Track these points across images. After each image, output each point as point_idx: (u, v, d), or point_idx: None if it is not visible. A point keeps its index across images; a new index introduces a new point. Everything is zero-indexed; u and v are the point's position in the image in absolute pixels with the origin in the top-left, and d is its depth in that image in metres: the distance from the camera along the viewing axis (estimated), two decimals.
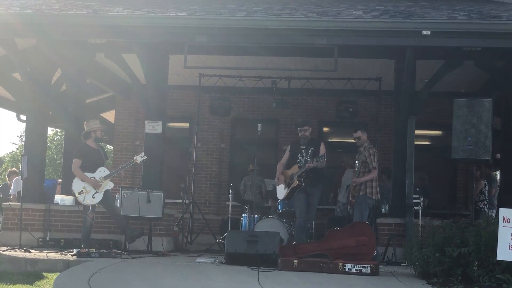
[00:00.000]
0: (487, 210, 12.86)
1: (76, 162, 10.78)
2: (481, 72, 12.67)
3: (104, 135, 11.03)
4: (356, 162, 10.89)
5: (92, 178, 10.65)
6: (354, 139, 11.11)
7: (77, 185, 10.70)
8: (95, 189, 10.63)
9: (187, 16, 11.07)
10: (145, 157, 10.99)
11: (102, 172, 10.74)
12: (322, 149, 10.84)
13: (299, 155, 10.92)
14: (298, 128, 11.15)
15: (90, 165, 10.76)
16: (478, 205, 12.74)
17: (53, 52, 12.18)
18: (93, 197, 10.65)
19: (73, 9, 11.43)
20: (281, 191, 11.04)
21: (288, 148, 11.29)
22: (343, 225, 10.91)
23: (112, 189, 10.94)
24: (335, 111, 14.88)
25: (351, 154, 11.81)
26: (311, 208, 10.89)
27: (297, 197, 10.83)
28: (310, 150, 10.86)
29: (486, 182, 13.54)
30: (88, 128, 11.01)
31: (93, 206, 10.74)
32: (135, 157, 11.06)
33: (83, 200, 10.68)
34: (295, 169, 10.80)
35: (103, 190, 10.67)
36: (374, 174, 10.73)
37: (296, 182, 10.71)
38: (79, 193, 10.67)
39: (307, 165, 10.60)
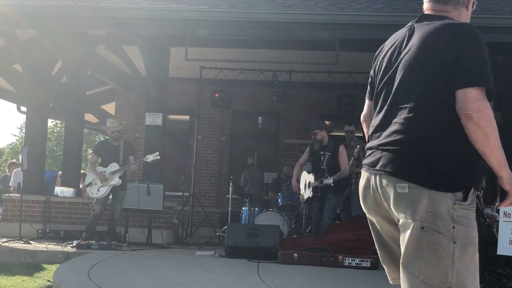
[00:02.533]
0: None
1: (91, 157, 11.40)
2: None
3: (116, 135, 11.00)
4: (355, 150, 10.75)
5: (102, 172, 10.78)
6: (347, 132, 11.07)
7: (89, 177, 11.00)
8: (101, 182, 10.73)
9: (188, 9, 11.04)
10: (158, 157, 10.92)
11: (112, 167, 10.84)
12: (342, 155, 10.01)
13: (319, 159, 10.12)
14: (310, 133, 10.42)
15: (105, 160, 11.04)
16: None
17: (54, 44, 12.16)
18: (98, 190, 10.75)
19: (73, 0, 11.39)
20: (303, 191, 10.68)
21: (307, 149, 10.53)
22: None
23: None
24: (336, 105, 14.88)
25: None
26: (326, 208, 10.08)
27: (315, 206, 10.29)
28: (327, 155, 10.05)
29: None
30: (106, 126, 11.28)
31: (99, 199, 10.78)
32: (146, 156, 11.03)
33: (89, 192, 10.92)
34: (311, 177, 10.24)
35: (109, 185, 10.73)
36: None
37: (311, 194, 10.19)
38: (88, 185, 10.89)
39: (317, 184, 9.93)
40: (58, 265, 8.39)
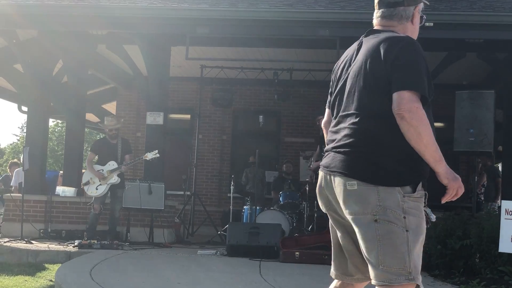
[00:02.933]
0: (483, 201, 12.89)
1: (89, 155, 11.34)
2: (483, 64, 12.63)
3: (114, 133, 11.02)
4: None
5: (100, 171, 10.75)
6: None
7: (86, 176, 10.99)
8: (99, 181, 10.72)
9: (189, 8, 11.03)
10: (158, 155, 10.93)
11: (110, 165, 10.84)
12: None
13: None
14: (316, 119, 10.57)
15: (102, 159, 11.01)
16: (480, 197, 12.74)
17: (54, 44, 12.16)
18: (96, 189, 10.77)
19: (74, 0, 11.39)
20: None
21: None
22: None
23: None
24: None
25: None
26: None
27: None
28: None
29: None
30: (103, 124, 11.28)
31: (98, 198, 10.79)
32: (146, 154, 11.03)
33: (87, 191, 10.92)
34: None
35: (107, 183, 10.73)
36: None
37: None
38: (85, 184, 10.91)
39: None
40: (60, 264, 8.40)
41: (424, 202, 3.25)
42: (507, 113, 13.05)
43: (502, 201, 7.96)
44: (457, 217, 8.99)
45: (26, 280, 7.73)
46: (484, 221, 8.23)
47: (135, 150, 16.05)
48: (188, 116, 16.69)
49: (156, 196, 11.08)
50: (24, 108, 14.72)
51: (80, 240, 10.14)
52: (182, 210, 12.88)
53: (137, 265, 8.39)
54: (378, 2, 3.63)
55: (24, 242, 10.37)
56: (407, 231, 3.11)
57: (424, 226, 3.23)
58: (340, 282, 3.53)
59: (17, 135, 52.80)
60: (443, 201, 3.27)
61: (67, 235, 11.14)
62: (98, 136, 37.71)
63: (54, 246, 10.10)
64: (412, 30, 3.57)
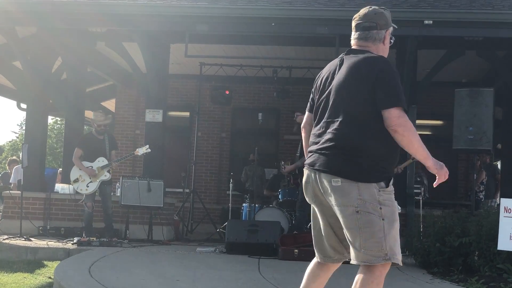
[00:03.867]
0: (483, 199, 12.89)
1: (76, 151, 10.88)
2: (483, 62, 12.63)
3: (103, 129, 10.93)
4: None
5: (90, 167, 10.67)
6: None
7: (74, 173, 10.79)
8: (90, 178, 10.65)
9: (188, 5, 11.03)
10: (149, 150, 10.90)
11: (100, 162, 10.73)
12: None
13: None
14: None
15: (90, 155, 10.79)
16: (478, 195, 12.75)
17: (54, 41, 12.15)
18: (87, 186, 10.66)
19: None
20: None
21: None
22: None
23: (113, 178, 10.95)
24: None
25: None
26: None
27: None
28: None
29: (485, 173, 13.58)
30: (92, 118, 11.09)
31: (89, 195, 10.73)
32: (137, 149, 11.00)
33: (77, 188, 10.78)
34: None
35: (98, 180, 10.67)
36: None
37: None
38: (75, 181, 10.76)
39: None
40: (59, 262, 8.39)
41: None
42: (506, 111, 13.09)
43: (501, 199, 7.95)
44: (456, 214, 8.99)
45: (25, 277, 7.73)
46: (483, 219, 8.23)
47: (134, 147, 15.99)
48: (187, 114, 16.69)
49: (155, 193, 11.08)
50: (23, 105, 14.71)
51: (79, 238, 10.13)
52: (181, 208, 12.88)
53: (136, 262, 8.39)
54: (355, 26, 4.17)
55: (23, 239, 10.37)
56: (383, 219, 3.79)
57: (397, 214, 3.92)
58: (315, 263, 4.23)
59: (16, 132, 52.79)
60: (435, 185, 4.08)
61: (66, 232, 11.13)
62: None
63: (53, 243, 10.10)
64: (384, 50, 4.16)
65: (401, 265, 3.91)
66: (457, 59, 11.96)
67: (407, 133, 3.76)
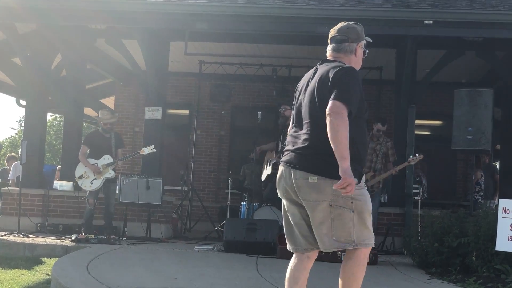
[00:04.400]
0: (482, 201, 12.86)
1: (82, 148, 11.09)
2: (482, 62, 12.63)
3: (110, 127, 11.00)
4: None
5: (95, 165, 10.69)
6: (378, 131, 11.02)
7: (79, 169, 10.87)
8: (94, 175, 10.68)
9: (188, 3, 11.01)
10: (154, 150, 10.93)
11: (105, 159, 10.79)
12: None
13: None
14: None
15: (96, 152, 10.91)
16: (474, 196, 12.74)
17: (54, 37, 12.14)
18: (91, 183, 10.72)
19: None
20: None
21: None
22: None
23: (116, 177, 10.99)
24: None
25: None
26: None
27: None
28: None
29: (483, 173, 13.56)
30: (98, 117, 11.15)
31: (92, 192, 10.76)
32: (142, 149, 11.02)
33: (81, 185, 10.84)
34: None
35: (102, 178, 10.70)
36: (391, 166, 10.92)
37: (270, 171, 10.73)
38: (79, 178, 10.82)
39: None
40: (57, 258, 8.39)
41: None
42: (505, 112, 13.07)
43: (499, 199, 7.96)
44: (454, 215, 9.00)
45: (22, 274, 7.74)
46: (481, 219, 8.24)
47: (133, 145, 16.08)
48: (187, 112, 16.67)
49: (153, 191, 11.07)
50: (22, 102, 14.69)
51: (77, 235, 10.13)
52: (179, 206, 12.88)
53: (134, 259, 8.39)
54: (330, 39, 4.67)
55: (21, 236, 10.37)
56: (353, 211, 4.28)
57: (369, 205, 4.38)
58: (297, 259, 4.54)
59: (15, 129, 52.70)
60: (334, 187, 4.14)
61: (64, 229, 11.13)
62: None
63: (51, 240, 10.10)
64: (355, 61, 4.58)
65: (373, 246, 4.52)
66: (456, 59, 11.96)
67: (337, 121, 4.08)
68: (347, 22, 4.65)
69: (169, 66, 12.79)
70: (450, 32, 10.79)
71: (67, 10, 11.07)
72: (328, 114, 4.11)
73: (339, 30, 4.61)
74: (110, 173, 10.77)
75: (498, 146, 14.29)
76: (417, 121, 11.58)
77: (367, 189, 4.46)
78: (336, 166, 4.08)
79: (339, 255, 8.91)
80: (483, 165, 14.03)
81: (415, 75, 11.81)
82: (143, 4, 10.96)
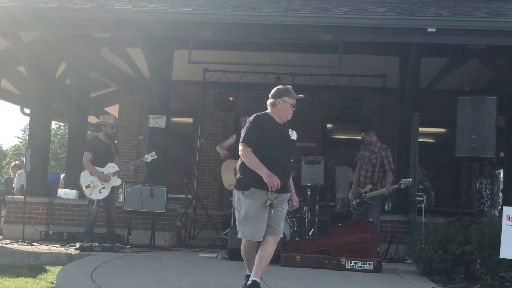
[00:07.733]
0: (485, 209, 12.83)
1: (87, 155, 10.80)
2: (485, 70, 12.63)
3: (115, 132, 11.01)
4: (356, 159, 11.20)
5: (102, 173, 10.67)
6: (364, 140, 11.15)
7: (85, 178, 10.74)
8: (102, 184, 10.64)
9: (192, 11, 11.05)
10: (156, 157, 10.96)
11: (111, 167, 10.74)
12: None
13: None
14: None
15: (100, 160, 10.79)
16: (481, 207, 12.71)
17: (58, 46, 12.18)
18: (100, 192, 10.66)
19: (78, 2, 11.41)
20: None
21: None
22: (346, 221, 10.92)
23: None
24: (340, 108, 14.89)
25: (355, 151, 11.77)
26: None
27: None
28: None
29: (487, 181, 13.54)
30: (101, 121, 11.07)
31: (99, 200, 10.74)
32: (145, 156, 11.04)
33: (90, 194, 10.70)
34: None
35: (111, 186, 10.69)
36: (391, 175, 10.87)
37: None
38: (87, 187, 10.69)
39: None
40: (61, 267, 8.40)
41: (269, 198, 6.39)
42: (509, 119, 13.07)
43: (503, 207, 7.95)
44: (458, 222, 8.99)
45: (27, 282, 7.75)
46: (485, 227, 8.22)
47: (137, 153, 16.10)
48: (191, 120, 16.70)
49: (158, 199, 11.08)
50: (27, 110, 14.75)
51: (81, 243, 10.14)
52: (183, 214, 12.88)
53: (138, 268, 8.40)
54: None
55: (26, 244, 10.39)
56: (239, 213, 6.45)
57: (250, 209, 6.33)
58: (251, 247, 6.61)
59: (19, 137, 52.84)
60: (269, 189, 6.23)
61: (68, 237, 11.14)
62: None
63: (55, 248, 10.11)
64: (277, 110, 7.08)
65: (251, 239, 6.48)
66: (460, 67, 11.96)
67: (244, 157, 6.40)
68: (279, 86, 7.38)
69: (173, 74, 12.82)
70: (453, 40, 10.80)
71: (71, 19, 11.11)
72: (239, 154, 6.50)
73: (272, 90, 7.15)
74: (117, 182, 10.77)
75: (501, 154, 14.28)
76: (420, 129, 11.58)
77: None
78: (241, 182, 6.46)
79: (343, 262, 8.91)
80: (487, 173, 14.02)
81: (419, 82, 11.82)
82: (147, 13, 10.99)
